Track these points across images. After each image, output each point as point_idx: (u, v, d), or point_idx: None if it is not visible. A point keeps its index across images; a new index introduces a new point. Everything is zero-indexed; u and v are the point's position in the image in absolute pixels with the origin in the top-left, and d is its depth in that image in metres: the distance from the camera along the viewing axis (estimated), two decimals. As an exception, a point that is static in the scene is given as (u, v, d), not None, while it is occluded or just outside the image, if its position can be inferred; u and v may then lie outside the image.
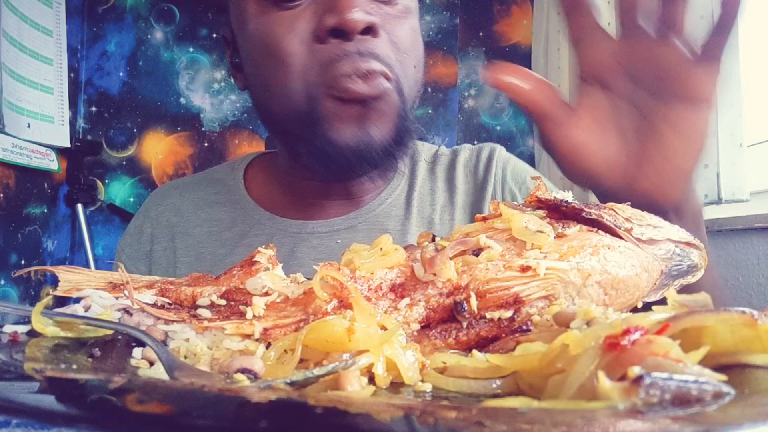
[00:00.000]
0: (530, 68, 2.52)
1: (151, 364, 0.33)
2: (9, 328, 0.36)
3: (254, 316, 0.36)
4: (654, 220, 0.42)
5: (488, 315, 0.37)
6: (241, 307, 0.38)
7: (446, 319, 0.38)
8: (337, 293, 0.36)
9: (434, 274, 0.38)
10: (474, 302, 0.36)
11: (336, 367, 0.30)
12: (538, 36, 2.33)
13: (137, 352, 0.34)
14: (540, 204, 0.43)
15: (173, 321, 0.36)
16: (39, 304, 0.36)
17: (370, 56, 0.59)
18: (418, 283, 0.38)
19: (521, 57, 2.46)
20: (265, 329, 0.35)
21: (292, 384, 0.29)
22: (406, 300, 0.38)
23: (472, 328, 0.37)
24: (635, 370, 0.23)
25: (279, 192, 0.78)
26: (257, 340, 0.35)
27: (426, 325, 0.38)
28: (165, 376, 0.31)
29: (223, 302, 0.39)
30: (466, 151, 0.83)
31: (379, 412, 0.19)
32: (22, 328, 0.36)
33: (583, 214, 0.40)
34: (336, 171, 0.64)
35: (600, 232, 0.40)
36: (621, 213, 0.41)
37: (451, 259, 0.38)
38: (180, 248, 0.76)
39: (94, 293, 0.39)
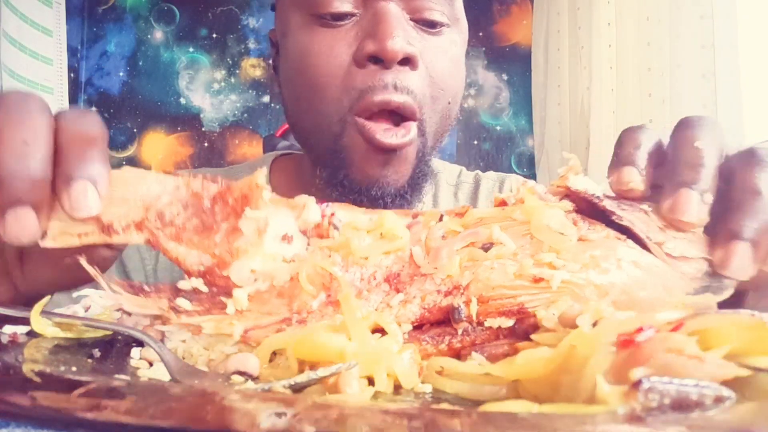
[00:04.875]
0: (530, 68, 2.52)
1: (150, 364, 0.33)
2: (9, 329, 0.36)
3: (236, 310, 0.34)
4: (690, 234, 0.37)
5: (487, 323, 0.34)
6: (222, 298, 0.35)
7: (441, 321, 0.35)
8: (326, 284, 0.34)
9: (436, 268, 0.35)
10: (474, 308, 0.34)
11: (339, 368, 0.30)
12: (538, 36, 2.32)
13: (135, 352, 0.34)
14: (569, 195, 0.39)
15: (150, 314, 0.34)
16: (38, 304, 0.36)
17: (405, 90, 0.58)
18: (416, 273, 0.35)
19: (521, 57, 2.46)
20: (246, 330, 0.33)
21: (293, 386, 0.29)
22: (400, 296, 0.35)
23: (467, 336, 0.34)
24: (637, 373, 0.22)
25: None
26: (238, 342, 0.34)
27: (419, 326, 0.35)
28: (165, 377, 0.31)
29: (205, 289, 0.36)
30: (489, 180, 0.83)
31: (374, 419, 0.19)
32: (21, 329, 0.36)
33: (614, 218, 0.36)
34: (350, 200, 0.62)
35: (629, 241, 0.36)
36: (656, 222, 0.37)
37: (457, 251, 0.35)
38: None
39: (94, 293, 0.39)
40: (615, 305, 0.34)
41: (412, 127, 0.59)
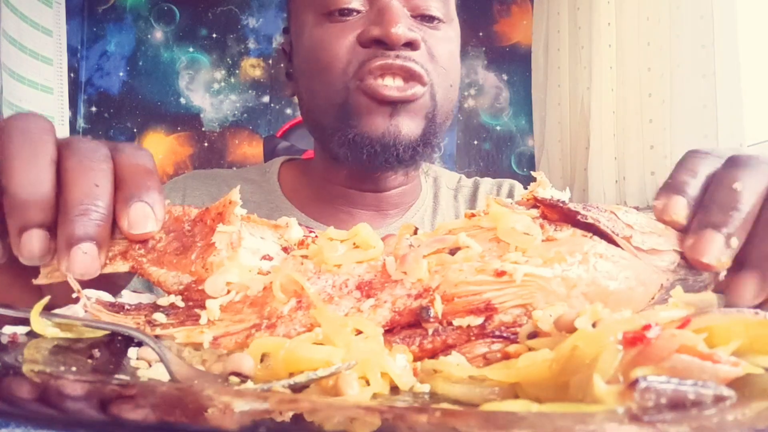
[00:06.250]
0: (530, 68, 2.52)
1: (150, 364, 0.33)
2: (8, 329, 0.36)
3: (208, 320, 0.35)
4: (660, 228, 0.38)
5: (456, 322, 0.34)
6: (197, 310, 0.36)
7: (412, 324, 0.35)
8: (298, 292, 0.35)
9: (404, 273, 0.35)
10: (439, 305, 0.34)
11: (339, 368, 0.30)
12: (538, 36, 2.33)
13: (132, 352, 0.34)
14: (537, 203, 0.39)
15: (129, 329, 0.35)
16: (38, 304, 0.36)
17: (407, 59, 0.65)
18: (387, 281, 0.35)
19: (521, 57, 2.46)
20: (215, 338, 0.34)
21: (292, 386, 0.29)
22: (371, 301, 0.35)
23: (438, 336, 0.34)
24: (641, 372, 0.22)
25: (312, 197, 0.82)
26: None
27: (390, 330, 0.35)
28: (164, 377, 0.31)
29: (182, 304, 0.37)
30: (487, 184, 0.89)
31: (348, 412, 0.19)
32: (21, 329, 0.36)
33: (578, 217, 0.37)
34: (363, 159, 0.68)
35: (595, 238, 0.36)
36: (623, 218, 0.37)
37: (425, 257, 0.36)
38: None
39: (94, 294, 0.39)
40: (586, 297, 0.34)
41: (418, 86, 0.66)
